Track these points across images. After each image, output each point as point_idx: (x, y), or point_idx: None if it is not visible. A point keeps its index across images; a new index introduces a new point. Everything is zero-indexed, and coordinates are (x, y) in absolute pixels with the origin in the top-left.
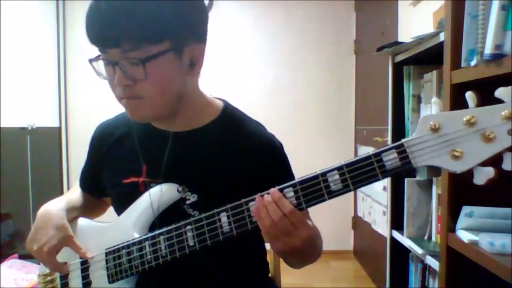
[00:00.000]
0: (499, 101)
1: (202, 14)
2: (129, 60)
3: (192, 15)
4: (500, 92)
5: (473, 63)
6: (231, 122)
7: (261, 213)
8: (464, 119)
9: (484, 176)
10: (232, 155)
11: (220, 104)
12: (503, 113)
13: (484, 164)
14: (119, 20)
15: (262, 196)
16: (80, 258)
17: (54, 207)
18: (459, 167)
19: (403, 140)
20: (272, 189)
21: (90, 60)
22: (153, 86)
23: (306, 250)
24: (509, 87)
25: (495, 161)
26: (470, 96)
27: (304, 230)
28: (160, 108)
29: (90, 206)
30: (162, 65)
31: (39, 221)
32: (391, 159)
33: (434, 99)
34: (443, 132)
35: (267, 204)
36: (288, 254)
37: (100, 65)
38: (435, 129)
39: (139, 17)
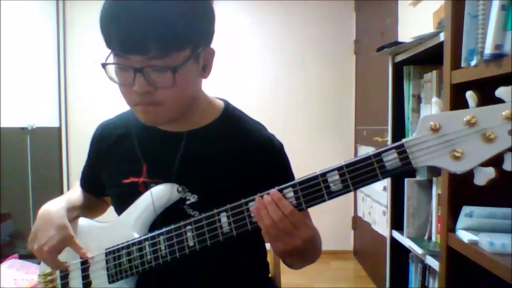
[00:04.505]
0: (499, 101)
1: (213, 17)
2: (154, 67)
3: (206, 20)
4: (500, 92)
5: (473, 63)
6: (232, 122)
7: (261, 213)
8: (465, 119)
9: (484, 176)
10: (232, 155)
11: (221, 104)
12: (503, 113)
13: (484, 164)
14: (150, 27)
15: (262, 196)
16: (80, 258)
17: (55, 207)
18: (460, 168)
19: (403, 140)
20: (272, 189)
21: (104, 65)
22: (175, 92)
23: (306, 250)
24: (510, 86)
25: (496, 161)
26: (470, 95)
27: (305, 230)
28: (177, 112)
29: (91, 205)
30: (185, 72)
31: (40, 221)
32: (391, 159)
33: (434, 99)
34: (444, 132)
35: (267, 205)
36: (288, 254)
37: (111, 68)
38: (435, 130)
39: (169, 24)
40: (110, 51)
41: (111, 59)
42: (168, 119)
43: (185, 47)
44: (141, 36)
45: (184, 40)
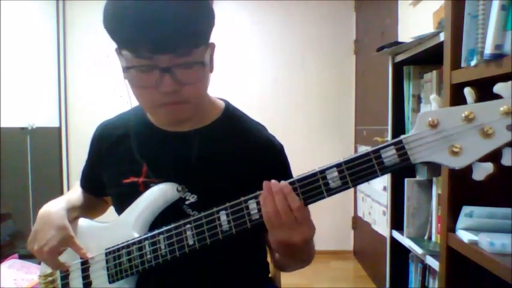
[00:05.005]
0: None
1: (214, 13)
2: (182, 65)
3: (213, 15)
4: (498, 88)
5: (473, 63)
6: (233, 122)
7: (266, 200)
8: (463, 114)
9: (483, 171)
10: (233, 155)
11: (222, 104)
12: (501, 109)
13: (483, 159)
14: (177, 25)
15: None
16: (81, 258)
17: (55, 208)
18: (458, 163)
19: (401, 137)
20: (283, 182)
21: (128, 68)
22: (198, 88)
23: (302, 249)
24: (508, 82)
25: (494, 156)
26: (468, 92)
27: (307, 227)
28: (197, 109)
29: (91, 205)
30: (205, 67)
31: (40, 221)
32: (389, 155)
33: (433, 95)
34: (442, 128)
35: (275, 194)
36: (284, 247)
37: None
38: (434, 125)
39: (192, 21)
40: (115, 54)
41: (123, 62)
42: (189, 116)
43: (203, 42)
44: (171, 35)
45: (203, 35)
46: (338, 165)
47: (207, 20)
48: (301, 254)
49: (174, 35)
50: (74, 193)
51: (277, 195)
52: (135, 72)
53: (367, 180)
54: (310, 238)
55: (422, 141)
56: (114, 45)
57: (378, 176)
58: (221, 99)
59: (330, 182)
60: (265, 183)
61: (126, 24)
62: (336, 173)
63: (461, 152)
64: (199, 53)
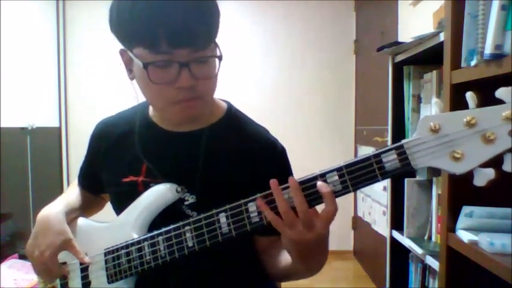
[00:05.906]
0: (499, 101)
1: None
2: (200, 59)
3: (220, 13)
4: (500, 93)
5: (473, 63)
6: (235, 123)
7: (279, 197)
8: (465, 120)
9: (484, 177)
10: (234, 157)
11: (224, 105)
12: (503, 114)
13: (484, 165)
14: (196, 17)
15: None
16: (80, 264)
17: (53, 211)
18: (459, 169)
19: (403, 141)
20: (320, 182)
21: (147, 64)
22: (212, 84)
23: (314, 249)
24: (510, 87)
25: (495, 161)
26: (470, 96)
27: (323, 226)
28: (208, 106)
29: (89, 203)
30: (219, 62)
31: (39, 226)
32: (390, 160)
33: (434, 100)
34: (444, 133)
35: (296, 191)
36: (298, 246)
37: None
38: (435, 130)
39: (209, 14)
40: (127, 52)
41: (137, 60)
42: (202, 113)
43: (216, 37)
44: (190, 28)
45: (217, 30)
46: (339, 169)
47: (219, 15)
48: (315, 254)
49: (193, 28)
50: (72, 193)
51: (297, 191)
52: (151, 69)
53: (368, 185)
54: (323, 237)
55: (424, 146)
56: (117, 46)
57: (378, 181)
58: (223, 100)
59: (330, 185)
60: (272, 182)
61: (145, 19)
62: (336, 177)
63: (463, 158)
64: (213, 48)
